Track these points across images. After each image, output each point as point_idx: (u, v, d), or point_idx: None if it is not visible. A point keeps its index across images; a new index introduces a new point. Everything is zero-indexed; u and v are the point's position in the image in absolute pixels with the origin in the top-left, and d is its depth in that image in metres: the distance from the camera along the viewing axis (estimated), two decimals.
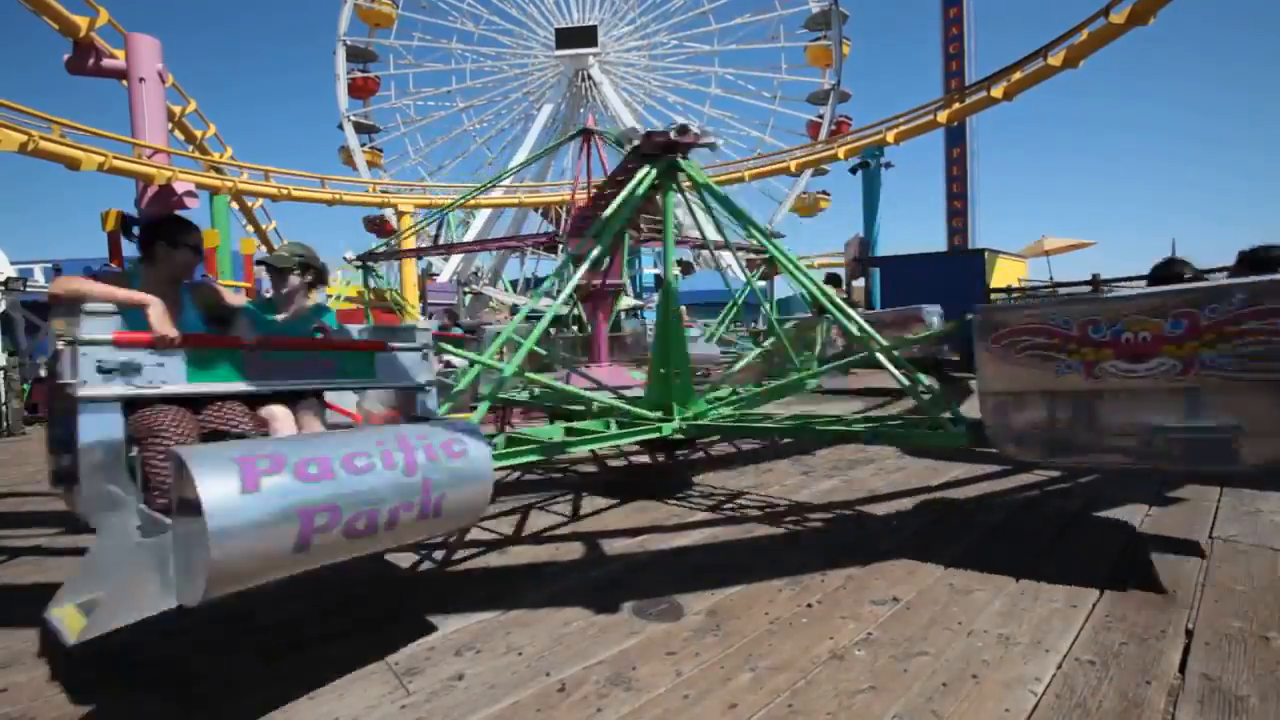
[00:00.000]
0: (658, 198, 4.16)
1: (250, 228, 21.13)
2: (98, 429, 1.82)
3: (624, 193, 3.95)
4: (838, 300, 3.82)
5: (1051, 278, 13.47)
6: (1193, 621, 2.12)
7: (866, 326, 3.55)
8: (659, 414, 3.87)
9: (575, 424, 4.02)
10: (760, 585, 2.55)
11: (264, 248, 21.90)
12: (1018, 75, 13.73)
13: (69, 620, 1.75)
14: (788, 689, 1.82)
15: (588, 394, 4.06)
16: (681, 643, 2.11)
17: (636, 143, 4.04)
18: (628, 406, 3.92)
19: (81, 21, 12.34)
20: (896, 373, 3.31)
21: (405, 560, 3.00)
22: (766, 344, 6.20)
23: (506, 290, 25.66)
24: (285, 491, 1.58)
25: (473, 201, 24.24)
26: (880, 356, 3.38)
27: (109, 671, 2.07)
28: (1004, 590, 2.42)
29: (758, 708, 1.74)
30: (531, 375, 3.94)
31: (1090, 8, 11.49)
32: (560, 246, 8.24)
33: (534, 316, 4.75)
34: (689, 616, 2.31)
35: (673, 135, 3.87)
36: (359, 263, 8.60)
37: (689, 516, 3.50)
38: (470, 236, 29.95)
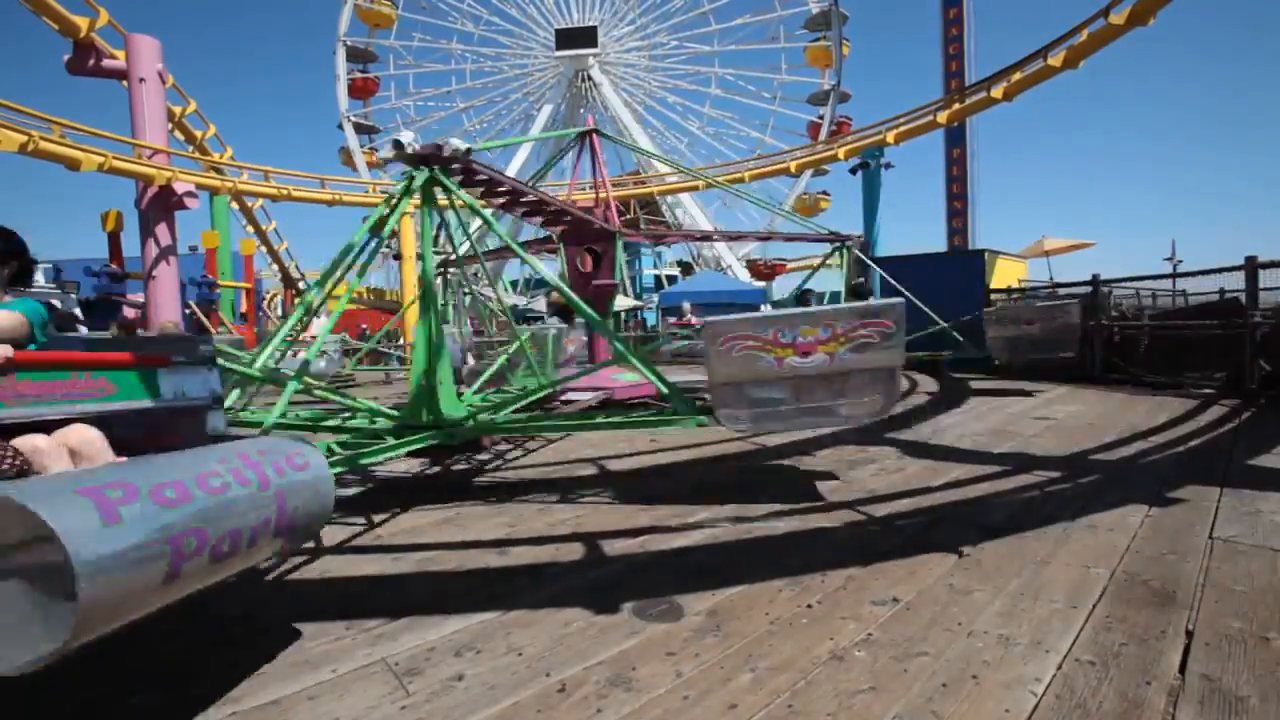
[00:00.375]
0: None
1: (250, 228, 21.15)
2: None
3: (391, 196, 4.23)
4: (585, 309, 4.34)
5: (1051, 278, 13.48)
6: (1193, 622, 2.12)
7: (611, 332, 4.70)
8: (431, 421, 4.12)
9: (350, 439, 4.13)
10: (760, 585, 2.55)
11: (264, 248, 21.94)
12: (1018, 75, 13.74)
13: None
14: (788, 689, 1.82)
15: (366, 405, 4.41)
16: (681, 643, 2.12)
17: (409, 150, 4.08)
18: (396, 415, 4.22)
19: (81, 22, 12.36)
20: (649, 373, 3.96)
21: (405, 561, 3.00)
22: (509, 351, 6.69)
23: (506, 290, 25.65)
24: (149, 518, 1.46)
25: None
26: (635, 360, 4.20)
27: (108, 671, 2.07)
28: (1004, 590, 2.42)
29: (758, 708, 1.74)
30: (312, 382, 4.11)
31: (1090, 8, 11.49)
32: (560, 247, 8.31)
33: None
34: (689, 617, 2.31)
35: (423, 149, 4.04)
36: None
37: (689, 516, 3.51)
38: None
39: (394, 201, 4.08)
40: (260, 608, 2.50)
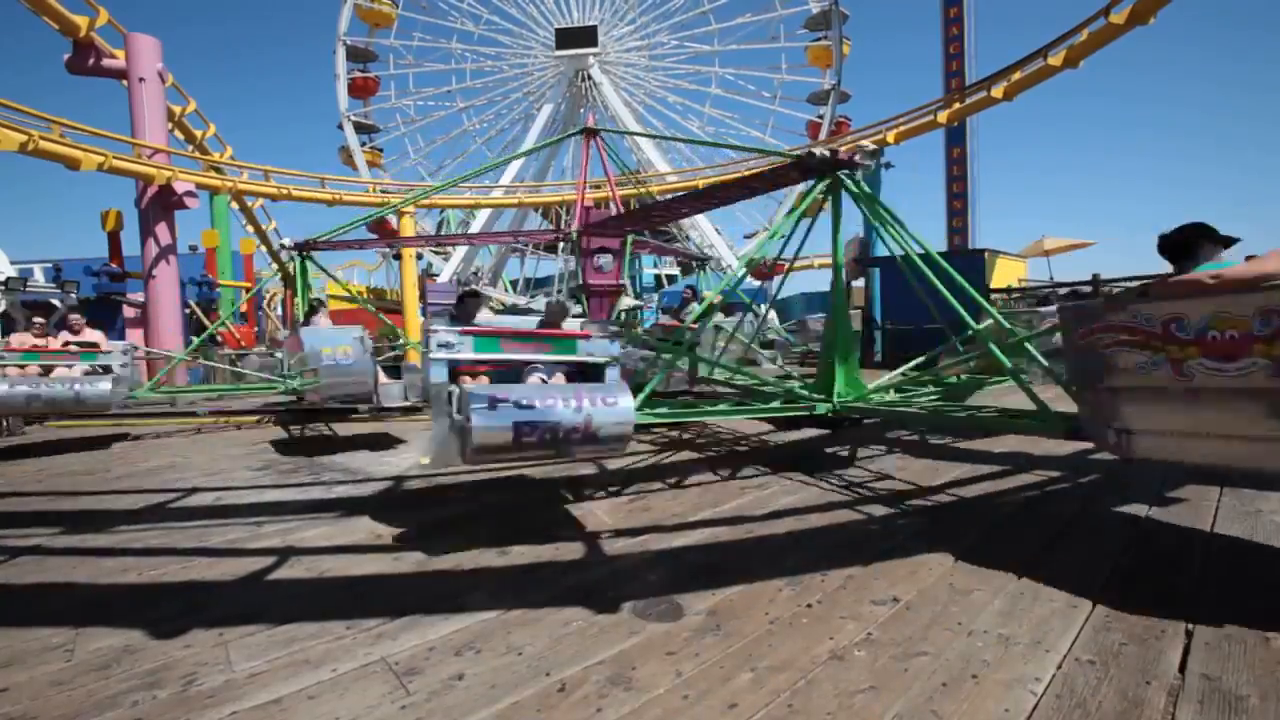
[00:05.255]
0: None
1: (250, 228, 21.12)
2: (437, 373, 3.52)
3: (801, 204, 4.88)
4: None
5: (1051, 277, 13.49)
6: (1193, 621, 2.12)
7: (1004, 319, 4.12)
8: (821, 396, 4.52)
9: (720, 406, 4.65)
10: (760, 585, 2.55)
11: (264, 247, 21.93)
12: (1018, 75, 13.72)
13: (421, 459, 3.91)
14: (788, 689, 1.82)
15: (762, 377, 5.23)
16: (681, 643, 2.12)
17: (818, 153, 4.39)
18: (793, 388, 4.78)
19: (81, 21, 12.34)
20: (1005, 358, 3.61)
21: (405, 561, 3.00)
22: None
23: (506, 290, 25.65)
24: (507, 411, 2.95)
25: (472, 201, 24.25)
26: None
27: (109, 671, 2.07)
28: (1004, 590, 2.42)
29: (758, 708, 1.74)
30: (703, 357, 5.11)
31: (1090, 8, 11.48)
32: (560, 246, 8.34)
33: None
34: (689, 616, 2.31)
35: (841, 154, 4.34)
36: (294, 252, 7.43)
37: (689, 516, 3.50)
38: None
39: (809, 203, 4.66)
40: (260, 608, 2.50)
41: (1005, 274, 13.38)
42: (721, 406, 4.48)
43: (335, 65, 34.61)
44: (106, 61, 13.04)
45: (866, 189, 4.47)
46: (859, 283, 18.80)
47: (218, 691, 1.92)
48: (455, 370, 3.59)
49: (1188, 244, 2.69)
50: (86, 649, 2.20)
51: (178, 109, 15.99)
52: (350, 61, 35.06)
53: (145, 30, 13.41)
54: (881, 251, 18.93)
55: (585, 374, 3.85)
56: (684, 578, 2.65)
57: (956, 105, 16.12)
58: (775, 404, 4.52)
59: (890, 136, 17.59)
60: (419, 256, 20.92)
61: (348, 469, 5.06)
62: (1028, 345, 3.55)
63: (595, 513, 3.67)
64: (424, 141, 38.20)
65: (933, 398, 4.76)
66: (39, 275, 15.42)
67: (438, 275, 29.78)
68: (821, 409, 4.39)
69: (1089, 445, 4.99)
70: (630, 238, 8.46)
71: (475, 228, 30.89)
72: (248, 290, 18.25)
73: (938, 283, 4.21)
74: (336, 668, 2.02)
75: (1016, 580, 2.50)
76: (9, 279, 9.90)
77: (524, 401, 2.98)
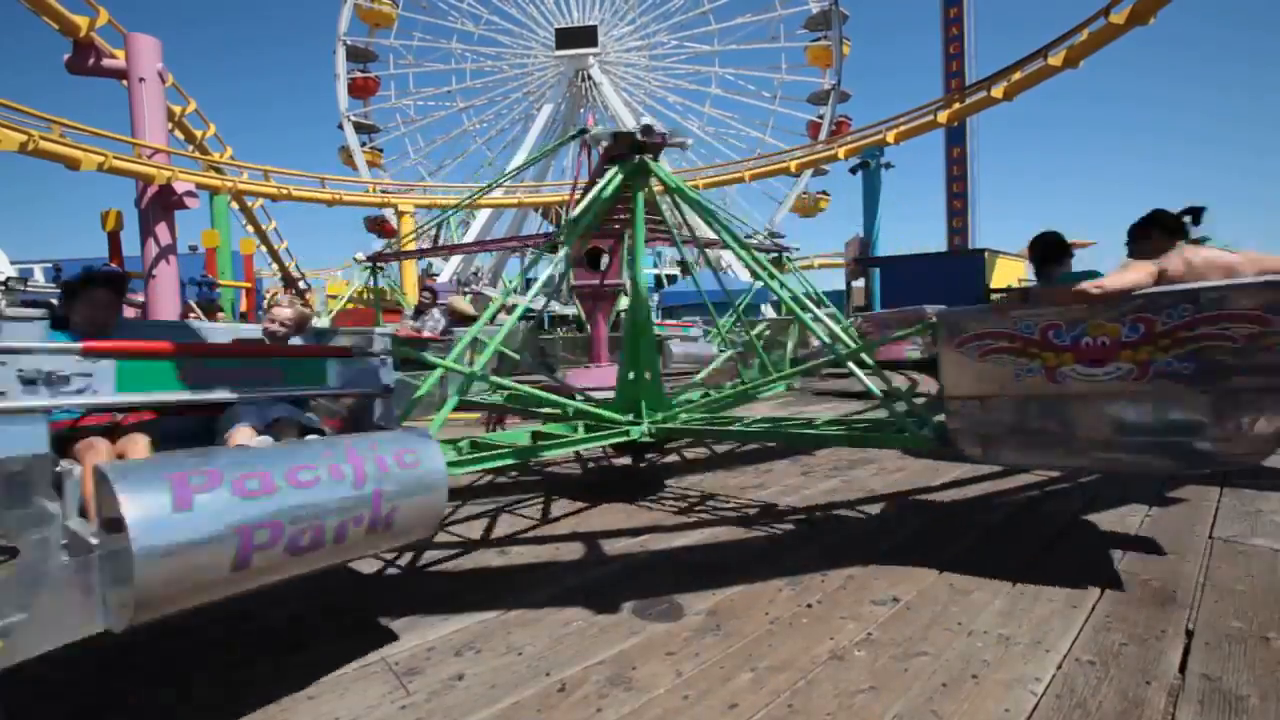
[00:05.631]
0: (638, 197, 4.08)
1: (250, 228, 21.13)
2: (18, 442, 1.60)
3: (590, 195, 3.91)
4: (806, 303, 3.79)
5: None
6: (1193, 621, 2.12)
7: (836, 329, 3.51)
8: (629, 417, 3.85)
9: (545, 427, 4.04)
10: (760, 585, 2.55)
11: (263, 247, 21.94)
12: (1018, 75, 13.73)
13: None
14: (788, 689, 1.82)
15: (555, 398, 4.03)
16: (681, 643, 2.11)
17: (605, 144, 3.99)
18: (596, 410, 3.88)
19: (81, 21, 12.35)
20: (861, 375, 3.18)
21: (405, 560, 3.00)
22: (734, 347, 6.21)
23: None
24: (221, 509, 1.51)
25: (472, 202, 24.23)
26: (850, 362, 3.26)
27: (109, 670, 2.07)
28: (1004, 590, 2.42)
29: (758, 708, 1.74)
30: (496, 379, 3.81)
31: (1090, 8, 11.48)
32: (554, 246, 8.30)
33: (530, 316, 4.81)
34: (689, 616, 2.31)
35: (639, 136, 3.82)
36: (368, 263, 8.75)
37: (689, 516, 3.50)
38: (470, 237, 29.94)
39: (603, 189, 3.81)
40: (260, 608, 2.50)
41: (1005, 274, 13.39)
42: (523, 441, 3.77)
43: (335, 65, 34.64)
44: (106, 61, 13.05)
45: (674, 178, 4.08)
46: (859, 283, 18.80)
47: (217, 691, 1.92)
48: (68, 434, 1.96)
49: (1055, 250, 3.05)
50: (86, 647, 2.19)
51: (178, 109, 15.99)
52: (350, 61, 35.08)
53: (145, 30, 13.42)
54: (882, 251, 18.95)
55: (348, 418, 2.55)
56: (684, 577, 2.65)
57: (956, 105, 16.13)
58: (580, 433, 3.79)
59: (890, 136, 17.59)
60: (421, 257, 20.91)
61: None
62: (864, 355, 3.29)
63: (595, 512, 3.68)
64: (424, 141, 38.22)
65: (724, 404, 4.33)
66: (39, 275, 15.41)
67: (438, 275, 29.80)
68: (635, 433, 3.73)
69: None
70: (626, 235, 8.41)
71: (475, 227, 30.89)
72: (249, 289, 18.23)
73: (772, 282, 4.01)
74: (336, 668, 2.02)
75: (1016, 580, 2.50)
76: (9, 279, 9.90)
77: (249, 484, 1.59)
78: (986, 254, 12.88)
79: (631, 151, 3.88)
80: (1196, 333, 2.16)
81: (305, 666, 2.04)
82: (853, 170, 19.97)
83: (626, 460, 4.95)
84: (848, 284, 20.06)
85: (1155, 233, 2.74)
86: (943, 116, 16.30)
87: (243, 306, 19.96)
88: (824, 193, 36.30)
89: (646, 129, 3.84)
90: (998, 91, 14.25)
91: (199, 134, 17.68)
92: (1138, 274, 2.40)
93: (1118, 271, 2.45)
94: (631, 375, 3.93)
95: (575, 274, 7.81)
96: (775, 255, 8.41)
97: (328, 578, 2.84)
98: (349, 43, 34.60)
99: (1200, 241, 2.85)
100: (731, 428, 3.71)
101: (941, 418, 2.77)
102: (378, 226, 32.20)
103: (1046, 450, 2.53)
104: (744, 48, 36.01)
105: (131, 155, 12.79)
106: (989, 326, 2.54)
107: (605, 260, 7.71)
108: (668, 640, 2.13)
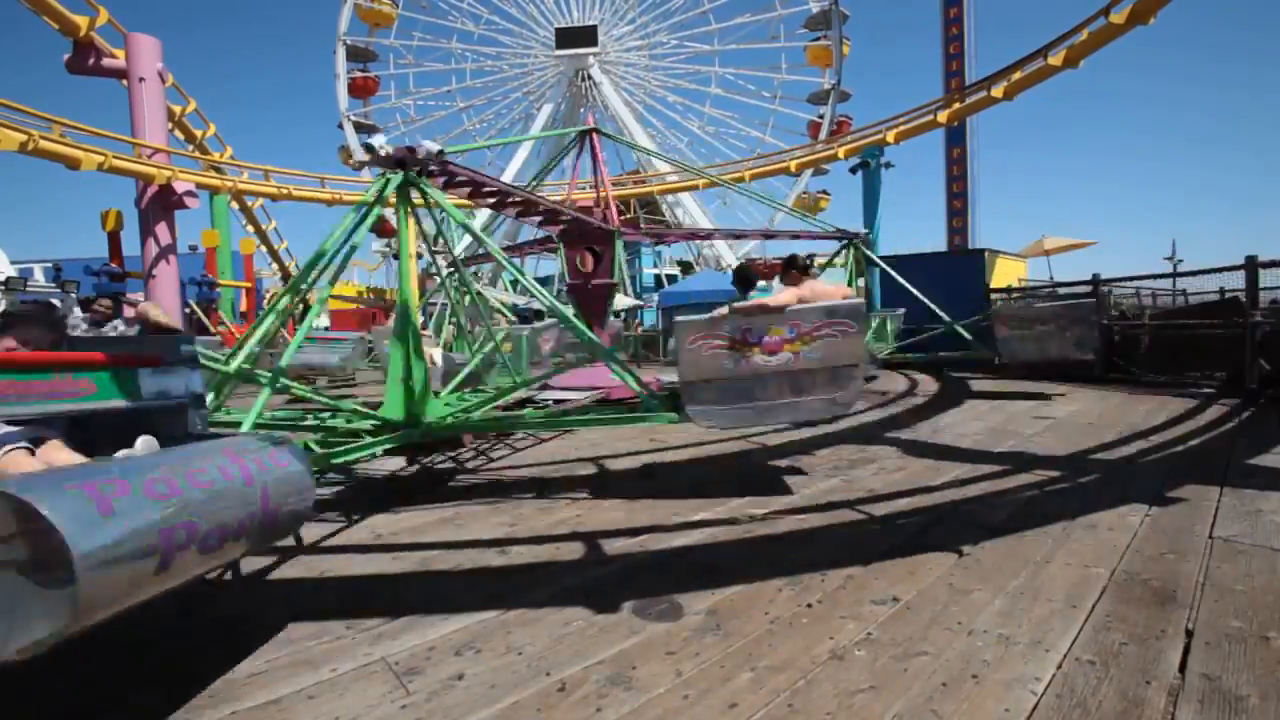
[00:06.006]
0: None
1: (250, 228, 21.14)
2: None
3: (360, 200, 4.24)
4: (562, 310, 4.56)
5: (1052, 277, 13.48)
6: (1193, 621, 2.12)
7: (587, 332, 4.40)
8: (408, 420, 4.16)
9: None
10: (760, 585, 2.55)
11: (263, 247, 21.94)
12: (1018, 75, 13.70)
13: None
14: (788, 689, 1.82)
15: (336, 404, 4.44)
16: (681, 643, 2.11)
17: (382, 153, 4.01)
18: (376, 414, 4.16)
19: (81, 21, 12.34)
20: (616, 369, 4.14)
21: (405, 560, 3.00)
22: (484, 351, 6.55)
23: (506, 290, 25.63)
24: (141, 510, 1.50)
25: (473, 203, 24.19)
26: (610, 361, 4.27)
27: (109, 670, 2.07)
28: (1004, 590, 2.42)
29: (758, 708, 1.74)
30: (289, 383, 3.94)
31: (1090, 7, 11.47)
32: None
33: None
34: (689, 616, 2.31)
35: (406, 154, 3.97)
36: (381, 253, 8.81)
37: (689, 516, 3.50)
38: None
39: (368, 207, 4.09)
40: (260, 608, 2.50)
41: (1005, 274, 13.39)
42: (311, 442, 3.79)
43: (335, 65, 34.59)
44: (106, 61, 13.04)
45: (439, 192, 4.34)
46: (860, 282, 18.75)
47: (217, 691, 1.92)
48: None
49: (750, 278, 4.81)
50: (86, 647, 2.19)
51: (178, 109, 16.00)
52: (350, 61, 35.04)
53: (145, 30, 13.41)
54: (882, 250, 18.93)
55: (137, 425, 2.24)
56: (684, 577, 2.65)
57: (956, 105, 16.11)
58: (366, 439, 3.91)
59: (890, 136, 17.58)
60: (418, 256, 20.89)
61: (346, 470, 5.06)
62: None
63: (595, 512, 3.67)
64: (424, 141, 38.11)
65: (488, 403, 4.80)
66: (39, 275, 15.42)
67: (437, 275, 29.76)
68: (415, 435, 4.08)
69: (1089, 445, 5.00)
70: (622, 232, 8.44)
71: (474, 226, 30.86)
72: (248, 289, 18.22)
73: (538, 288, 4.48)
74: (336, 668, 2.02)
75: (1016, 580, 2.50)
76: (9, 279, 9.91)
77: (157, 487, 1.58)
78: (986, 254, 12.86)
79: (398, 168, 4.06)
80: (816, 333, 3.60)
81: (305, 666, 2.04)
82: (853, 170, 19.94)
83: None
84: (849, 284, 20.02)
85: (795, 271, 4.15)
86: (943, 116, 16.28)
87: (243, 306, 19.97)
88: (824, 192, 36.28)
89: (410, 149, 4.02)
90: (998, 91, 14.23)
91: (199, 134, 17.68)
92: (788, 296, 3.83)
93: (777, 295, 3.93)
94: (402, 381, 4.23)
95: (570, 273, 7.92)
96: (846, 241, 9.05)
97: (327, 577, 2.84)
98: (349, 42, 34.56)
99: (815, 276, 4.30)
100: (516, 421, 4.59)
101: (678, 398, 3.83)
102: (378, 226, 32.17)
103: (752, 415, 3.73)
104: (744, 47, 35.97)
105: (131, 155, 12.79)
106: (710, 330, 3.62)
107: (592, 261, 7.81)
108: (668, 640, 2.13)
